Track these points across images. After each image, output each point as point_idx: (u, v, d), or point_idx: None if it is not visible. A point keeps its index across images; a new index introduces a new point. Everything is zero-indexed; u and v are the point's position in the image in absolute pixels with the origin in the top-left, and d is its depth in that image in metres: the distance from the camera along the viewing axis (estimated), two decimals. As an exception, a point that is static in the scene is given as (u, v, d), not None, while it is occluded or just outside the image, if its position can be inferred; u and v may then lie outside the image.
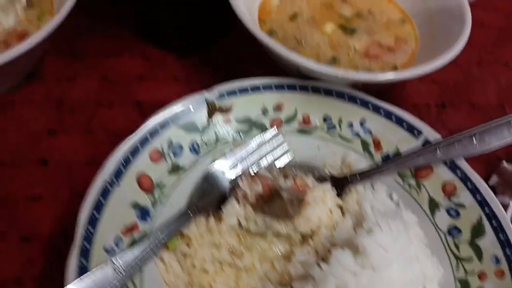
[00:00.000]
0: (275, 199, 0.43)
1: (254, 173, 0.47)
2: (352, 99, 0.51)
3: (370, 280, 0.38)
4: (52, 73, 0.60)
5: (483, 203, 0.46)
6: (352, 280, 0.38)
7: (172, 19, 0.62)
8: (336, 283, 0.38)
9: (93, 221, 0.40)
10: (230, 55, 0.65)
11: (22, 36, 0.55)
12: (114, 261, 0.37)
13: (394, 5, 0.66)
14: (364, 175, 0.48)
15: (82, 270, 0.37)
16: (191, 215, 0.44)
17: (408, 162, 0.48)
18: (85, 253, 0.38)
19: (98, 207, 0.41)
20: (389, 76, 0.49)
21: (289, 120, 0.52)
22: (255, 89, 0.51)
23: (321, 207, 0.44)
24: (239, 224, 0.45)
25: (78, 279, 0.36)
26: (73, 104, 0.57)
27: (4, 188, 0.49)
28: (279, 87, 0.52)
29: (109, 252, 0.40)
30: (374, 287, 0.38)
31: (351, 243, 0.40)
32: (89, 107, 0.57)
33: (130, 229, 0.42)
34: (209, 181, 0.47)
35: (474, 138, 0.48)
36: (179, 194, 0.47)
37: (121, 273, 0.37)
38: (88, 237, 0.39)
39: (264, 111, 0.51)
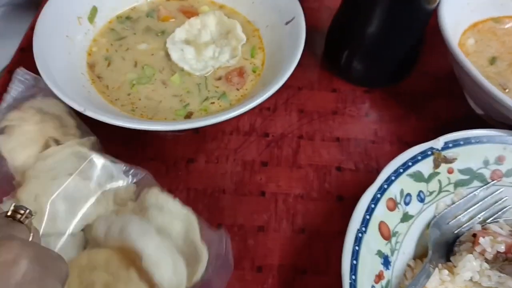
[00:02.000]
0: (519, 260, 0.44)
1: (485, 228, 0.48)
2: None
3: None
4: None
5: None
6: None
7: (366, 59, 0.63)
8: None
9: (353, 269, 0.42)
10: (416, 90, 0.66)
11: (241, 72, 0.58)
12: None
13: None
14: None
15: (354, 318, 0.40)
16: (432, 268, 0.45)
17: None
18: (354, 301, 0.41)
19: (355, 255, 0.43)
20: None
21: (510, 173, 0.52)
22: (479, 140, 0.52)
23: (561, 270, 0.44)
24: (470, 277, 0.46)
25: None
26: (278, 136, 0.60)
27: (232, 217, 0.53)
28: (503, 140, 0.52)
29: (370, 300, 0.42)
30: None
31: None
32: (292, 139, 0.60)
33: (378, 277, 0.44)
34: (436, 231, 0.49)
35: None
36: (408, 241, 0.48)
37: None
38: (353, 286, 0.41)
39: (486, 163, 0.52)
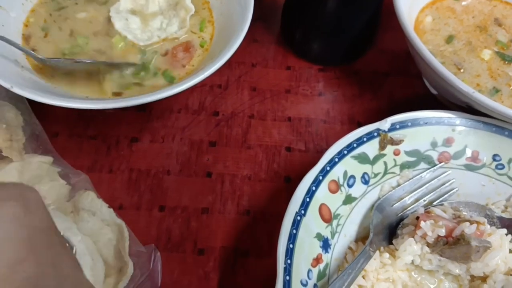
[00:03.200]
0: (460, 244, 0.44)
1: (428, 211, 0.47)
2: (526, 141, 0.50)
3: None
4: (203, 81, 0.60)
5: None
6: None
7: (322, 36, 0.61)
8: None
9: (289, 253, 0.41)
10: (372, 68, 0.65)
11: (188, 47, 0.55)
12: (320, 300, 0.39)
13: (551, 31, 0.63)
14: (539, 222, 0.47)
15: (287, 303, 0.39)
16: (372, 251, 0.45)
17: None
18: (287, 286, 0.40)
19: (292, 238, 0.42)
20: None
21: (458, 155, 0.51)
22: (427, 122, 0.51)
23: (500, 253, 0.44)
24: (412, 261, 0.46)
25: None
26: (228, 115, 0.58)
27: (175, 198, 0.52)
28: (451, 121, 0.51)
29: (304, 285, 0.41)
30: None
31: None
32: (243, 118, 0.58)
33: (317, 260, 0.44)
34: (379, 214, 0.48)
35: None
36: (350, 223, 0.48)
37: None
38: (288, 270, 0.40)
39: (434, 145, 0.51)
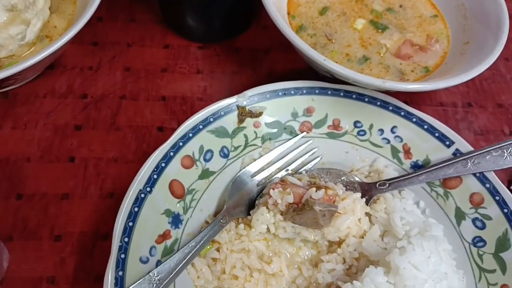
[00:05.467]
0: (306, 210, 0.43)
1: (283, 180, 0.47)
2: (385, 106, 0.51)
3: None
4: (74, 63, 0.59)
5: (510, 216, 0.46)
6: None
7: (195, 9, 0.60)
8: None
9: (128, 232, 0.40)
10: (254, 45, 0.64)
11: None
12: (152, 275, 0.38)
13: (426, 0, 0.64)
14: (394, 183, 0.48)
15: (119, 282, 0.38)
16: (223, 223, 0.44)
17: (439, 172, 0.48)
18: (121, 265, 0.39)
19: (133, 217, 0.41)
20: (419, 87, 0.48)
21: (319, 124, 0.51)
22: (286, 92, 0.50)
23: (351, 217, 0.45)
24: (268, 229, 0.46)
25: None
26: (97, 97, 0.56)
27: (34, 185, 0.50)
28: (311, 91, 0.51)
29: (144, 262, 0.40)
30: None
31: (383, 259, 0.41)
32: (113, 100, 0.57)
33: (163, 236, 0.43)
34: (238, 186, 0.48)
35: (505, 151, 0.48)
36: (208, 197, 0.47)
37: (158, 286, 0.38)
38: (124, 248, 0.39)
39: (294, 115, 0.51)
